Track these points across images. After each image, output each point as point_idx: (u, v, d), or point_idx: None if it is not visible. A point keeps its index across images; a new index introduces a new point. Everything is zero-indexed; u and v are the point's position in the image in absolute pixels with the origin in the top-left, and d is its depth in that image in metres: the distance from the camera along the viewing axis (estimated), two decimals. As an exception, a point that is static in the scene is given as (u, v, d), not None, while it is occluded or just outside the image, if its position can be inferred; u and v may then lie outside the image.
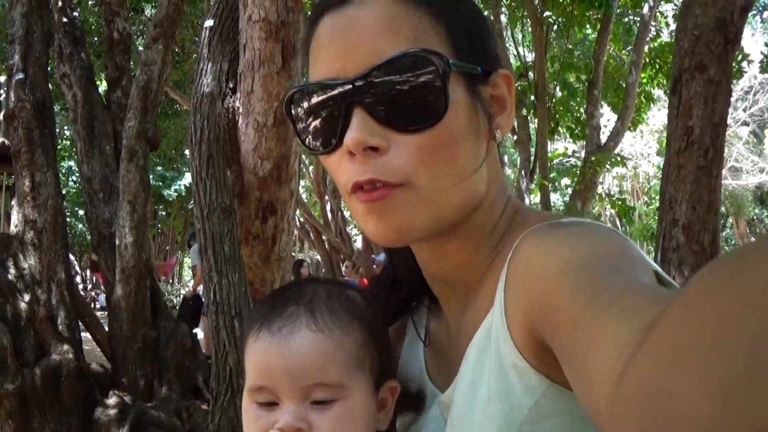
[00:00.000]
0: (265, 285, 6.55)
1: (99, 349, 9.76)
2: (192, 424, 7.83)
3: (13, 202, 8.26)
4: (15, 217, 8.08)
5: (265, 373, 1.19)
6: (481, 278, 1.23)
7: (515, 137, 15.21)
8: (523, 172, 14.48)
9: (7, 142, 8.57)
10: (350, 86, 1.08)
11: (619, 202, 14.15)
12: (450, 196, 1.12)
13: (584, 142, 14.92)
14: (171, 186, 28.23)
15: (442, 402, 1.25)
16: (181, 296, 26.33)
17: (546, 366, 1.00)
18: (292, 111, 1.20)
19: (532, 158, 14.35)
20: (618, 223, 36.61)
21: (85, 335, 9.17)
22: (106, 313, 8.83)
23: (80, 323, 9.01)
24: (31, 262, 7.77)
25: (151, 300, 8.54)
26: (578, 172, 14.02)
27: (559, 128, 14.48)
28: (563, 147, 21.20)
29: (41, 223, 7.87)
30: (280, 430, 1.16)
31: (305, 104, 1.17)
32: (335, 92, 1.10)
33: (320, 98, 1.14)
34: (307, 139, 1.19)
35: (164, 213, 34.73)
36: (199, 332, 11.01)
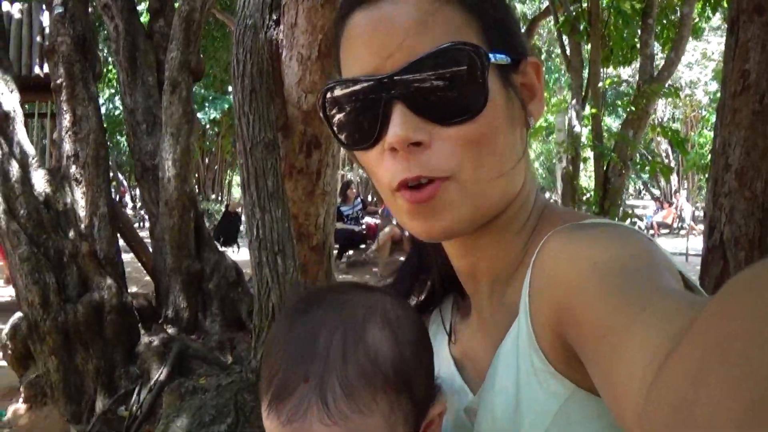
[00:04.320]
0: (309, 219, 6.53)
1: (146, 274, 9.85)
2: (235, 357, 7.89)
3: (55, 136, 8.28)
4: (56, 152, 8.11)
5: None
6: (510, 276, 1.22)
7: (562, 63, 15.11)
8: (575, 100, 14.29)
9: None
10: (389, 82, 1.06)
11: (671, 132, 13.90)
12: (493, 188, 1.12)
13: (637, 68, 14.70)
14: (209, 108, 27.97)
15: (470, 408, 1.22)
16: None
17: (573, 371, 0.98)
18: (327, 106, 1.18)
19: (584, 85, 14.19)
20: (670, 151, 36.26)
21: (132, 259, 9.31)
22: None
23: (128, 247, 9.19)
24: (75, 196, 7.82)
25: (195, 232, 8.57)
26: (630, 101, 13.80)
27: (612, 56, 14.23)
28: (616, 74, 20.86)
29: (83, 157, 7.89)
30: None
31: (341, 100, 1.15)
32: (373, 88, 1.08)
33: (357, 95, 1.12)
34: (343, 135, 1.18)
35: (212, 132, 34.79)
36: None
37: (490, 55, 1.08)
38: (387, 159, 1.10)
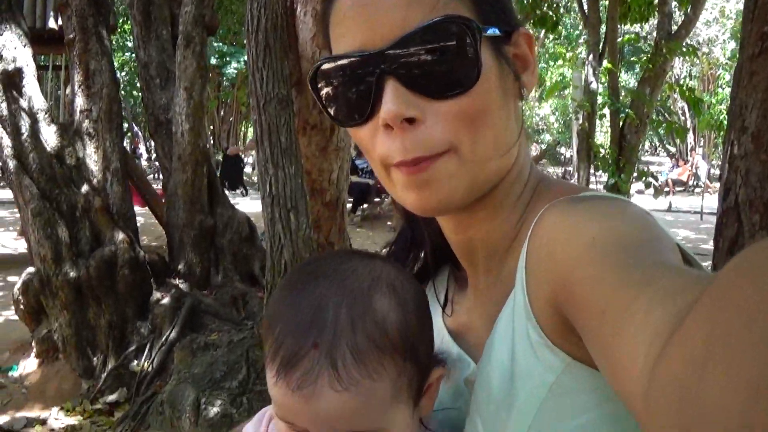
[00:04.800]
0: (322, 175, 6.52)
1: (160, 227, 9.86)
2: (247, 313, 7.90)
3: (68, 91, 8.26)
4: (69, 107, 8.11)
5: (293, 417, 1.10)
6: (506, 249, 1.23)
7: (580, 19, 15.06)
8: (591, 56, 14.23)
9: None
10: (381, 57, 1.05)
11: (687, 90, 13.80)
12: (490, 163, 1.12)
13: (655, 25, 14.61)
14: (230, 63, 27.92)
15: (469, 379, 1.24)
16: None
17: (569, 343, 0.99)
18: (318, 85, 1.17)
19: (602, 42, 14.12)
20: (687, 109, 36.01)
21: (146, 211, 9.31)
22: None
23: (141, 201, 9.23)
24: (87, 151, 7.80)
25: (208, 187, 8.55)
26: (647, 58, 13.71)
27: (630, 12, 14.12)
28: (634, 31, 20.73)
29: (96, 111, 7.88)
30: None
31: (332, 78, 1.14)
32: (365, 64, 1.07)
33: (348, 71, 1.11)
34: (335, 112, 1.17)
35: (228, 83, 34.71)
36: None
37: (483, 28, 1.07)
38: (381, 136, 1.10)
